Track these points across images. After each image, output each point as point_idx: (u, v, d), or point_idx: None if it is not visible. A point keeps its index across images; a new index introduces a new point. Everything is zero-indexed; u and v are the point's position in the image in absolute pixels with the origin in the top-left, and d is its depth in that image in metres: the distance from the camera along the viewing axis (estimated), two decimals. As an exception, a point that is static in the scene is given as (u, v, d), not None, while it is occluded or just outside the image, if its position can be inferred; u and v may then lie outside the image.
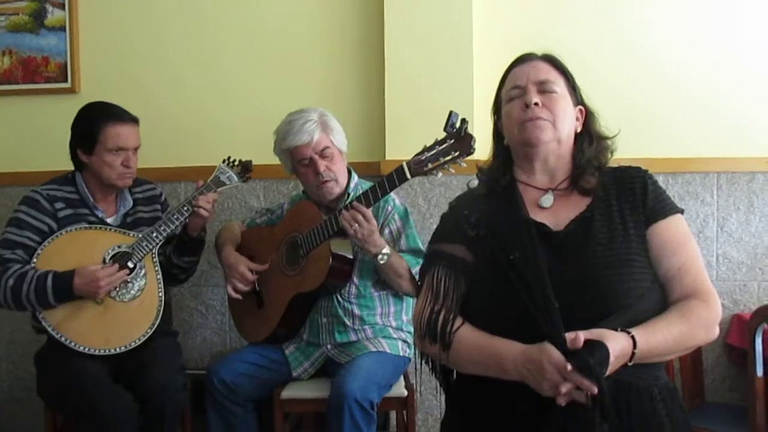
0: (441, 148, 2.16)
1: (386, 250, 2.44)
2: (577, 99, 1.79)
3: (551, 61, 1.80)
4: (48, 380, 2.55)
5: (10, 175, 3.24)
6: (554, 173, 1.76)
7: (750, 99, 3.06)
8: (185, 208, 2.61)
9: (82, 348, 2.45)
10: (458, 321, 1.66)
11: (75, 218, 2.61)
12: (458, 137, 2.12)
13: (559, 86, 1.75)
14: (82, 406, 2.38)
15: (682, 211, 1.72)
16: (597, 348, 1.44)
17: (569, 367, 1.43)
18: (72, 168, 2.71)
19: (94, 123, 2.60)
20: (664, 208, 1.69)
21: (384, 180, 2.32)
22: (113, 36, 3.26)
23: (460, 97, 2.96)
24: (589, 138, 1.78)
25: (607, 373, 1.45)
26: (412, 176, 2.24)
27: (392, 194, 2.47)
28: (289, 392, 2.55)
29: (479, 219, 1.72)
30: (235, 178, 2.75)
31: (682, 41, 3.08)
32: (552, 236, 1.67)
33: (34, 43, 3.24)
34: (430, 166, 2.18)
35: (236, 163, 2.77)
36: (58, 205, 2.61)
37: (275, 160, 2.71)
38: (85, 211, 2.64)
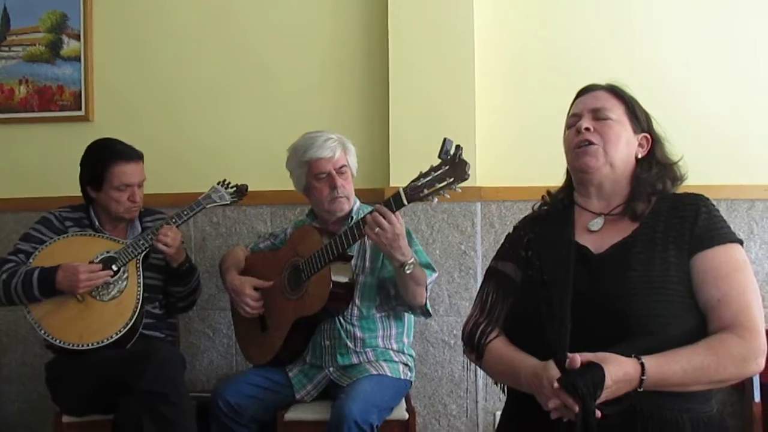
0: (436, 174, 2.18)
1: (412, 259, 2.40)
2: (642, 126, 1.81)
3: (612, 90, 1.83)
4: (58, 378, 2.63)
5: (27, 201, 3.31)
6: (610, 198, 1.79)
7: (749, 126, 3.07)
8: (173, 220, 2.70)
9: (57, 341, 2.55)
10: (494, 333, 1.74)
11: None
12: (453, 163, 2.14)
13: (615, 113, 1.78)
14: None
15: (740, 242, 1.67)
16: (590, 370, 1.47)
17: (556, 385, 1.49)
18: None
19: (101, 162, 2.70)
20: (713, 237, 1.64)
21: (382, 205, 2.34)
22: (126, 66, 3.34)
23: (463, 125, 3.01)
24: (650, 164, 1.79)
25: (605, 397, 1.47)
26: (408, 202, 2.25)
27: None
28: (292, 414, 2.57)
29: (531, 240, 1.80)
30: (226, 197, 2.85)
31: (679, 66, 3.12)
32: (590, 259, 1.70)
33: (50, 72, 3.33)
34: (425, 191, 2.20)
35: (230, 185, 2.87)
36: (68, 223, 2.74)
37: (282, 186, 2.77)
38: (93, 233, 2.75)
